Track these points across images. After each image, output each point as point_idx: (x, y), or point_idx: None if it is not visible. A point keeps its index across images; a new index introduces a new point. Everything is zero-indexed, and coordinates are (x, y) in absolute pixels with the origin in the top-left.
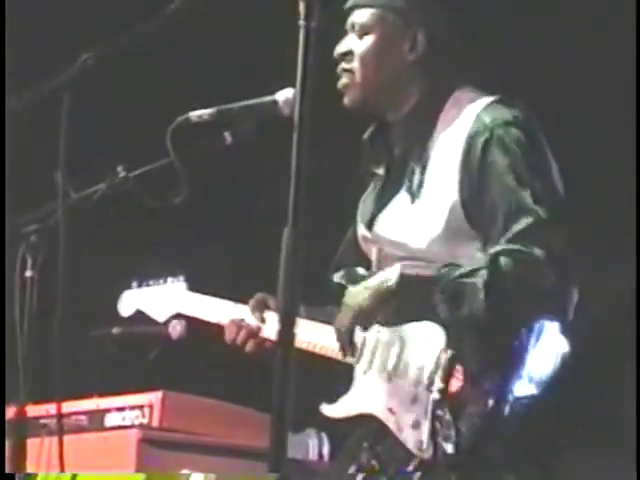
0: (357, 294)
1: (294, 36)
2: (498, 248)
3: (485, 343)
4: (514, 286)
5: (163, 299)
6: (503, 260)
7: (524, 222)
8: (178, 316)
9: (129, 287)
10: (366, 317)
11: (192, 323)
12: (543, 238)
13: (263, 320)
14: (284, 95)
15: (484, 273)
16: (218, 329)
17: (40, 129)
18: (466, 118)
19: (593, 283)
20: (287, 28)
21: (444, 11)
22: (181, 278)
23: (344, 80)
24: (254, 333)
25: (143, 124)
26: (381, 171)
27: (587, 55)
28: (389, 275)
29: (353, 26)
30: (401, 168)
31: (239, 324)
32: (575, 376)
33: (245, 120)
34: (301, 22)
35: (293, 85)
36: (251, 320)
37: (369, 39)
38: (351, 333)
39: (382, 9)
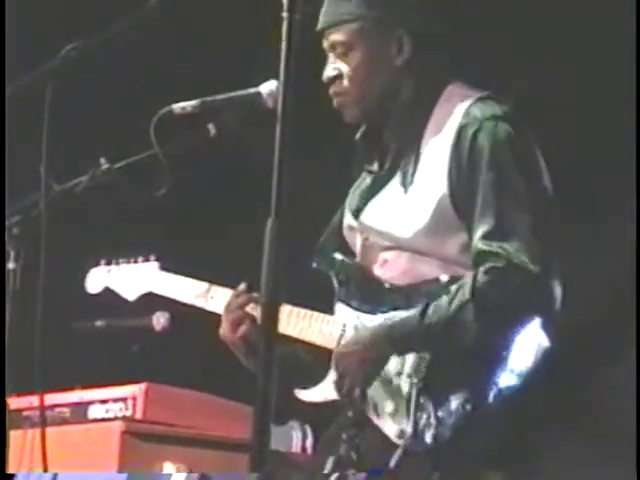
0: (345, 357)
1: (278, 28)
2: (474, 272)
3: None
4: (504, 303)
5: (134, 277)
6: (484, 283)
7: (491, 221)
8: (152, 297)
9: (97, 265)
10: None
11: (176, 315)
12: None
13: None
14: (268, 87)
15: (471, 307)
16: (193, 310)
17: (22, 121)
18: (457, 112)
19: (575, 276)
20: (271, 20)
21: (425, 11)
22: (152, 257)
23: (339, 100)
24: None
25: (126, 116)
26: (374, 167)
27: (581, 52)
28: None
29: (333, 47)
30: (394, 161)
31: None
32: (557, 368)
33: (229, 112)
34: (284, 14)
35: (277, 77)
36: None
37: (355, 56)
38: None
39: (358, 22)
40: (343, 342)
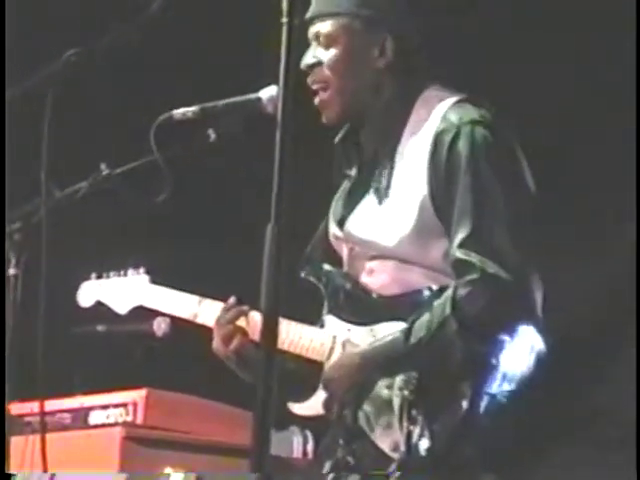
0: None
1: (277, 33)
2: (454, 286)
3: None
4: (483, 316)
5: (124, 291)
6: (462, 297)
7: (468, 227)
8: (143, 309)
9: (88, 278)
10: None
11: (177, 321)
12: (488, 245)
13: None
14: (268, 93)
15: (452, 322)
16: (189, 324)
17: (23, 126)
18: (434, 117)
19: (575, 277)
20: (271, 25)
21: (410, 15)
22: (142, 270)
23: (320, 97)
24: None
25: (127, 121)
26: (353, 172)
27: (559, 56)
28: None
29: (317, 37)
30: (371, 169)
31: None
32: (551, 373)
33: (229, 117)
34: (284, 19)
35: (277, 83)
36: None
37: (336, 49)
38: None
39: (347, 17)
40: (333, 357)
